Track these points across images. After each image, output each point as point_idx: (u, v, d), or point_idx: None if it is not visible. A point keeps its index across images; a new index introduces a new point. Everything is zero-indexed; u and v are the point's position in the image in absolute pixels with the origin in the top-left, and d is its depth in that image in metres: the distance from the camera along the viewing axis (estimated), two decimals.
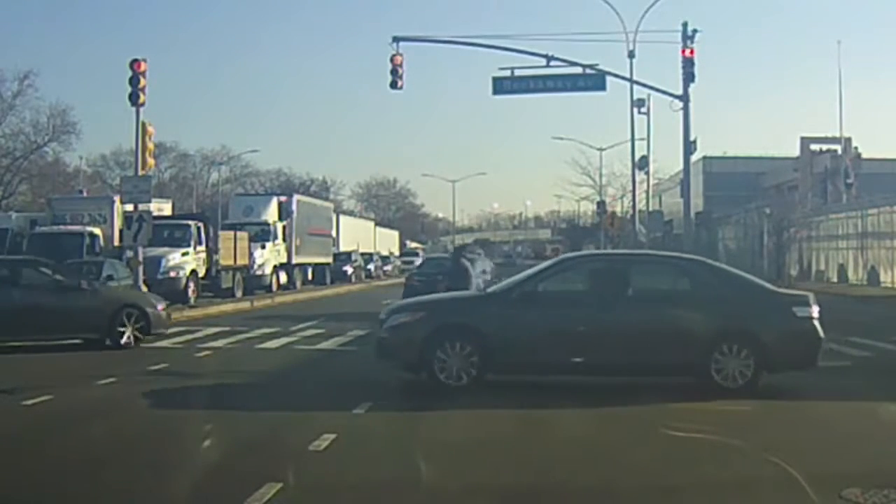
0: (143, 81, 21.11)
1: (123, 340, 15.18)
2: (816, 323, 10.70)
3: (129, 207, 22.33)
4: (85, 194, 37.08)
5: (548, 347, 10.65)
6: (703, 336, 10.43)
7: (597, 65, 25.95)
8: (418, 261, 53.68)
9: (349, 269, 47.29)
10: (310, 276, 39.44)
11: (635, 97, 32.48)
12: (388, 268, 60.73)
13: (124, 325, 15.31)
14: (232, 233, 31.89)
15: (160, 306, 16.28)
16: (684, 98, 24.02)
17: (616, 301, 10.81)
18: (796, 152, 59.86)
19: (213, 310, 24.77)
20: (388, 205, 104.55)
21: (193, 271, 27.20)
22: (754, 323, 10.63)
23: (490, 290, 11.96)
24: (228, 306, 26.00)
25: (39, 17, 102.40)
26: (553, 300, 11.10)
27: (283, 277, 35.60)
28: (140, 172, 22.37)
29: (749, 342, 10.47)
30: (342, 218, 54.46)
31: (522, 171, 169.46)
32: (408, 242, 73.78)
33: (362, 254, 52.51)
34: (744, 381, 10.39)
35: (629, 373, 10.82)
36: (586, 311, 10.76)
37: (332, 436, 7.79)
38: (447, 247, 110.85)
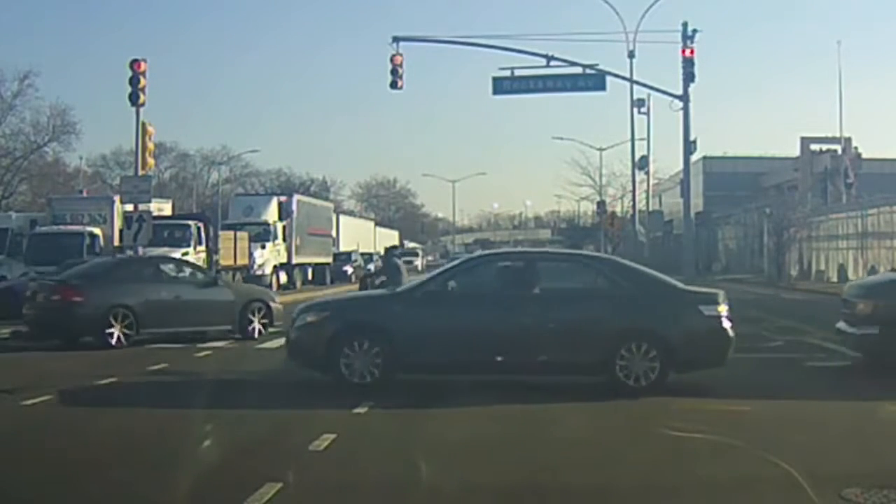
0: (143, 81, 21.12)
1: (252, 331, 16.72)
2: (726, 322, 10.68)
3: (129, 207, 22.36)
4: (85, 194, 37.16)
5: (452, 346, 10.61)
6: (609, 335, 10.43)
7: (597, 65, 26.01)
8: (418, 261, 53.74)
9: (349, 269, 47.30)
10: (310, 276, 39.45)
11: (635, 97, 32.56)
12: None
13: (252, 318, 16.80)
14: (232, 233, 31.92)
15: (278, 300, 18.09)
16: (684, 98, 24.03)
17: (522, 300, 10.83)
18: (796, 152, 59.83)
19: None
20: (388, 205, 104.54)
21: None
22: (660, 322, 10.60)
23: (399, 289, 12.01)
24: None
25: (39, 17, 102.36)
26: (459, 299, 11.05)
27: (283, 277, 35.61)
28: (140, 172, 22.40)
29: (655, 341, 10.43)
30: (342, 218, 54.46)
31: (522, 171, 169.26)
32: (406, 242, 73.71)
33: (362, 254, 52.51)
34: (648, 381, 10.36)
35: (534, 372, 10.71)
36: (492, 309, 10.80)
37: (332, 436, 7.79)
38: (447, 247, 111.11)
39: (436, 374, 10.87)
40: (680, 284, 11.83)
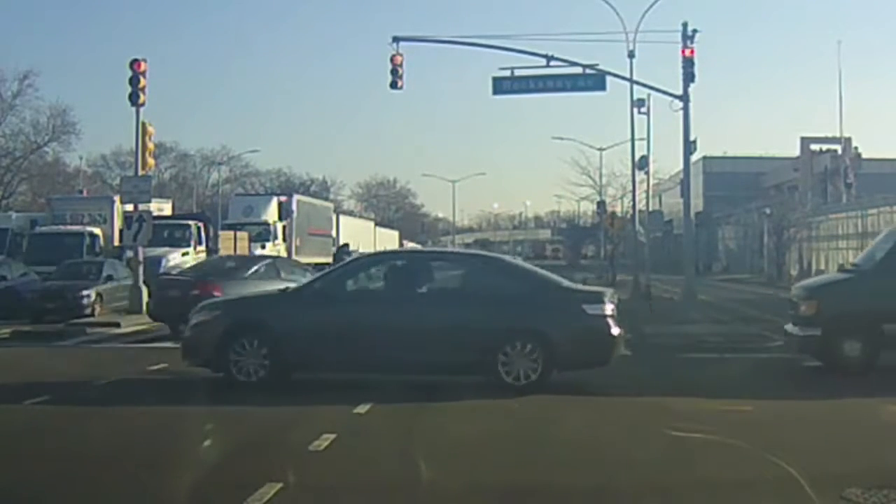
0: (143, 81, 21.10)
1: None
2: (610, 320, 10.70)
3: (129, 207, 22.34)
4: (85, 194, 37.19)
5: (338, 345, 10.66)
6: (491, 334, 10.45)
7: (597, 65, 25.92)
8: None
9: None
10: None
11: (635, 97, 32.35)
12: None
13: None
14: (232, 233, 31.91)
15: None
16: (684, 98, 23.99)
17: (407, 299, 10.92)
18: (796, 152, 59.86)
19: None
20: (388, 205, 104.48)
21: None
22: (542, 321, 10.61)
23: (288, 288, 12.15)
24: None
25: (39, 17, 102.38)
26: (346, 298, 11.12)
27: None
28: (140, 172, 22.36)
29: (536, 340, 10.46)
30: (342, 218, 54.36)
31: (522, 171, 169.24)
32: (405, 242, 73.65)
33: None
34: (529, 380, 10.39)
35: (419, 370, 10.72)
36: (377, 308, 10.87)
37: (332, 436, 7.79)
38: (447, 247, 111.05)
39: (325, 373, 10.96)
40: (566, 283, 11.81)
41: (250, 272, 17.79)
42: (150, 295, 19.69)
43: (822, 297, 12.74)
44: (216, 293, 15.53)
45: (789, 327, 13.11)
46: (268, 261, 19.85)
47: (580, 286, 12.43)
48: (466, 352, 10.47)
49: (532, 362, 10.43)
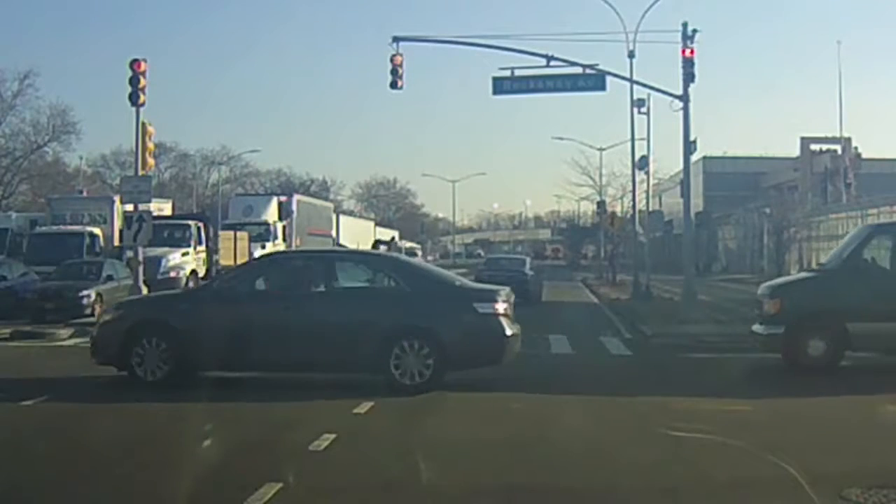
0: (143, 81, 21.05)
1: None
2: (502, 319, 10.70)
3: (129, 207, 22.29)
4: (85, 194, 37.06)
5: (235, 343, 10.72)
6: (384, 333, 10.53)
7: (597, 65, 25.83)
8: (416, 261, 53.72)
9: None
10: None
11: (635, 97, 32.25)
12: None
13: None
14: (232, 233, 31.89)
15: None
16: (684, 98, 23.93)
17: (302, 298, 11.03)
18: (796, 152, 59.87)
19: None
20: (388, 205, 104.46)
21: (193, 271, 27.16)
22: (433, 320, 10.65)
23: (189, 288, 12.22)
24: None
25: (39, 17, 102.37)
26: (243, 297, 11.23)
27: None
28: (140, 172, 22.31)
29: (428, 339, 10.50)
30: (342, 218, 54.44)
31: (522, 171, 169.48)
32: (404, 242, 73.58)
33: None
34: (423, 378, 10.42)
35: (314, 369, 10.82)
36: (273, 307, 10.96)
37: (332, 436, 7.79)
38: (447, 247, 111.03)
39: (224, 371, 11.04)
40: (459, 281, 11.83)
41: None
42: None
43: (786, 296, 12.79)
44: None
45: (755, 326, 13.15)
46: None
47: (474, 285, 12.42)
48: (359, 350, 10.53)
49: (424, 361, 10.48)
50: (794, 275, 16.11)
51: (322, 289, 11.24)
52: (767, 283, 13.98)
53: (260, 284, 11.52)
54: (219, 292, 11.45)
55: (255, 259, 12.67)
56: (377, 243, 38.20)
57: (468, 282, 12.56)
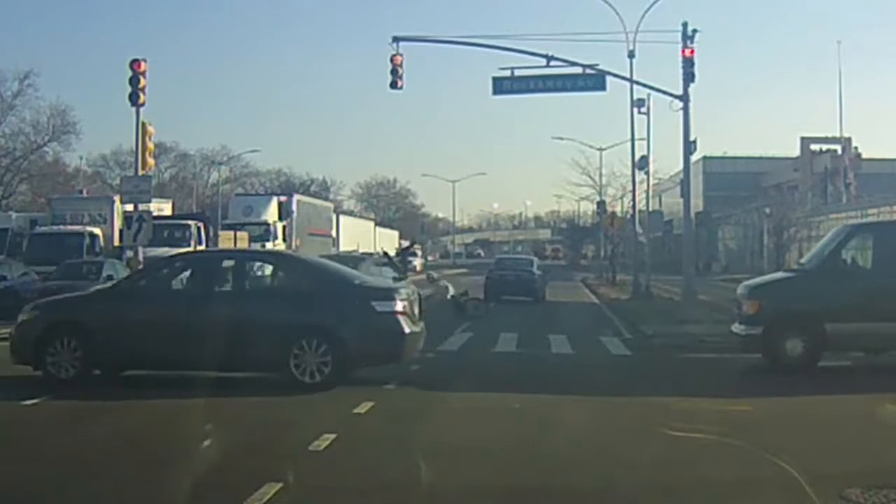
0: (143, 81, 21.05)
1: None
2: (400, 317, 10.73)
3: (129, 207, 22.31)
4: (85, 194, 37.08)
5: (142, 342, 10.85)
6: (283, 332, 10.56)
7: (597, 65, 25.86)
8: (416, 261, 53.88)
9: None
10: None
11: (635, 97, 32.29)
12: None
13: None
14: (232, 233, 31.92)
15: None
16: (684, 98, 23.95)
17: (205, 297, 11.13)
18: (796, 152, 59.91)
19: None
20: (388, 205, 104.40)
21: None
22: (331, 318, 10.69)
23: (100, 287, 12.40)
24: None
25: (39, 17, 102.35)
26: (151, 297, 11.34)
27: None
28: (140, 172, 22.33)
29: (326, 337, 10.54)
30: (342, 218, 54.45)
31: (522, 171, 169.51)
32: (403, 242, 73.53)
33: (363, 254, 52.43)
34: (322, 377, 10.47)
35: (218, 367, 10.81)
36: (177, 307, 11.09)
37: (332, 436, 7.79)
38: (447, 247, 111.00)
39: (135, 370, 11.18)
40: (359, 280, 11.88)
41: (364, 266, 19.53)
42: None
43: (764, 296, 12.81)
44: None
45: (734, 326, 13.17)
46: (367, 258, 22.46)
47: (375, 283, 12.50)
48: (260, 349, 10.58)
49: (322, 360, 10.53)
50: (772, 275, 16.17)
51: (226, 288, 11.43)
52: (746, 282, 14.01)
53: (169, 284, 11.70)
54: (130, 292, 11.58)
55: (164, 259, 12.83)
56: (402, 251, 38.55)
57: (371, 280, 12.75)
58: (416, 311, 11.30)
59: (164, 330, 10.81)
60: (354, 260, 23.02)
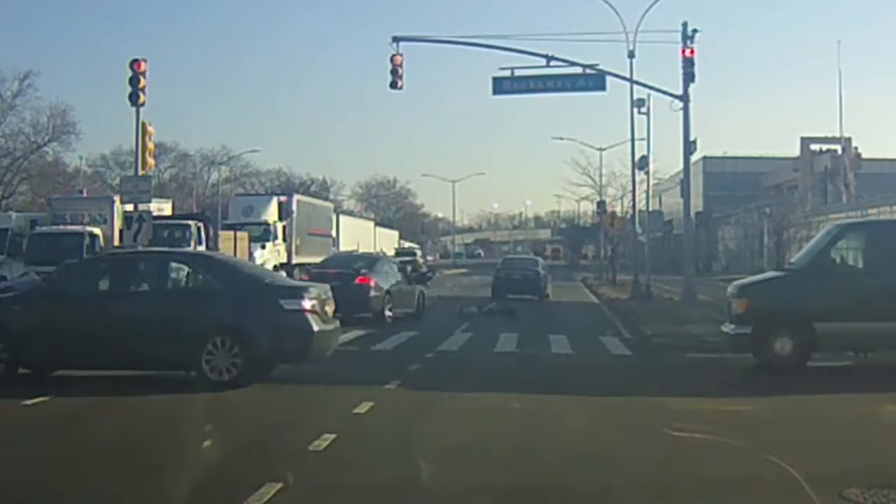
0: (143, 81, 21.05)
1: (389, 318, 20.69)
2: (309, 315, 10.80)
3: (129, 207, 22.30)
4: (85, 194, 36.98)
5: (61, 342, 10.90)
6: (195, 331, 10.62)
7: (597, 65, 25.88)
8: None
9: None
10: (301, 276, 39.31)
11: (635, 97, 32.29)
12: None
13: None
14: (232, 233, 31.88)
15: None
16: (684, 98, 23.97)
17: (122, 297, 11.28)
18: (796, 152, 59.89)
19: None
20: (388, 205, 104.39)
21: None
22: (240, 317, 10.77)
23: (23, 288, 12.45)
24: None
25: (39, 17, 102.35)
26: (69, 298, 11.37)
27: None
28: (140, 172, 22.33)
29: (236, 336, 10.61)
30: (342, 218, 54.33)
31: (522, 171, 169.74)
32: (402, 242, 73.43)
33: (362, 253, 52.35)
34: (232, 375, 10.52)
35: (133, 366, 11.00)
36: (94, 307, 11.15)
37: (332, 436, 7.78)
38: (447, 247, 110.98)
39: (60, 370, 11.20)
40: (270, 279, 12.01)
41: (379, 264, 22.52)
42: None
43: (753, 295, 12.83)
44: (371, 283, 20.56)
45: (724, 326, 13.19)
46: (381, 257, 25.38)
47: (286, 282, 12.57)
48: (173, 347, 10.65)
49: (232, 358, 10.59)
50: (762, 274, 16.21)
51: (141, 288, 11.59)
52: (736, 282, 14.03)
53: (88, 284, 11.75)
54: (49, 293, 11.70)
55: (82, 259, 12.91)
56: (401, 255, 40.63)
57: (282, 278, 12.81)
58: (329, 309, 11.46)
59: (82, 330, 10.89)
60: (370, 259, 24.51)
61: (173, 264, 11.95)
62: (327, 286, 11.77)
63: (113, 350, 10.79)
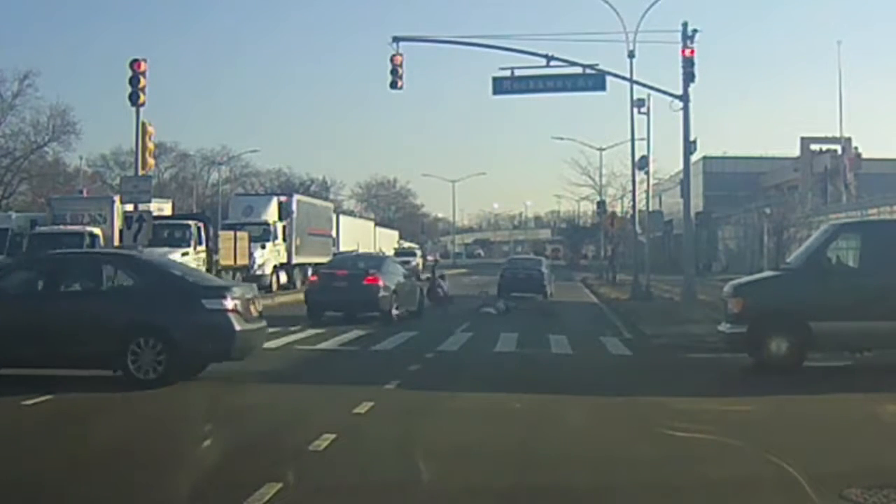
0: (143, 81, 21.05)
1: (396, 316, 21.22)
2: (231, 315, 10.90)
3: (129, 207, 22.30)
4: (85, 194, 36.97)
5: None
6: (120, 330, 10.73)
7: (597, 65, 25.84)
8: (415, 261, 54.09)
9: None
10: (310, 276, 39.35)
11: (635, 97, 32.25)
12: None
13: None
14: (232, 233, 31.85)
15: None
16: (684, 98, 23.94)
17: (49, 297, 11.34)
18: (796, 152, 59.90)
19: None
20: (388, 205, 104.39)
21: None
22: (163, 316, 10.88)
23: None
24: None
25: (39, 17, 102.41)
26: (3, 297, 11.42)
27: (283, 277, 35.56)
28: (140, 172, 22.32)
29: (159, 335, 10.73)
30: (342, 218, 54.31)
31: (522, 171, 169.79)
32: (402, 242, 73.34)
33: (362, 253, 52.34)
34: (157, 374, 10.64)
35: (62, 364, 11.05)
36: (25, 307, 11.22)
37: (332, 436, 7.78)
38: (447, 247, 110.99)
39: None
40: (193, 278, 12.03)
41: (385, 264, 23.06)
42: None
43: (748, 294, 12.85)
44: (379, 282, 20.92)
45: (720, 326, 13.20)
46: (387, 257, 27.00)
47: (210, 281, 12.62)
48: (100, 347, 10.76)
49: (157, 357, 10.71)
50: (758, 274, 16.24)
51: (68, 288, 11.64)
52: (732, 282, 14.04)
53: (17, 284, 11.81)
54: None
55: (17, 259, 12.95)
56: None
57: (209, 279, 12.89)
58: (254, 308, 11.52)
59: (11, 328, 10.92)
60: (376, 259, 25.16)
61: (101, 265, 12.06)
62: (253, 285, 11.83)
63: (39, 348, 10.86)
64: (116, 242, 26.41)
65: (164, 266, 12.28)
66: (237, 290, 11.42)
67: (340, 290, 21.14)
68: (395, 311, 21.12)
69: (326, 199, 62.81)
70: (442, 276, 28.75)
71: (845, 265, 12.85)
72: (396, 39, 25.13)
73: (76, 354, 10.85)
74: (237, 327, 10.93)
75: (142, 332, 10.76)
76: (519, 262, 38.69)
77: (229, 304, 10.96)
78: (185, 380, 10.96)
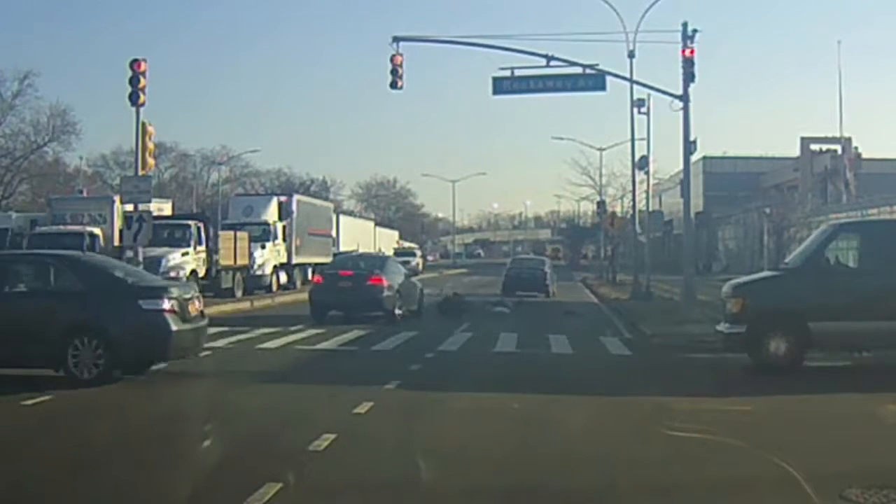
0: (143, 81, 21.06)
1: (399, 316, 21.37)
2: (168, 315, 10.99)
3: (129, 207, 22.31)
4: (85, 194, 36.97)
5: None
6: (58, 330, 10.84)
7: (597, 65, 25.84)
8: (414, 261, 54.18)
9: None
10: (310, 276, 39.34)
11: (635, 97, 32.26)
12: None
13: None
14: (232, 233, 31.82)
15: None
16: (684, 98, 23.94)
17: None
18: (796, 152, 59.85)
19: (213, 310, 24.59)
20: (388, 205, 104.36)
21: (193, 271, 27.15)
22: (101, 317, 10.99)
23: None
24: (228, 306, 25.99)
25: (39, 17, 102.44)
26: None
27: (283, 277, 35.54)
28: (140, 172, 22.33)
29: (97, 335, 10.85)
30: (342, 218, 54.29)
31: (522, 171, 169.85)
32: (401, 242, 73.30)
33: (362, 253, 52.32)
34: (96, 373, 10.75)
35: (6, 364, 11.07)
36: None
37: (332, 436, 7.78)
38: (447, 247, 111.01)
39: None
40: (133, 279, 12.03)
41: (388, 264, 23.29)
42: None
43: (747, 294, 12.85)
44: (383, 283, 21.15)
45: (719, 325, 13.20)
46: (389, 258, 27.36)
47: (149, 282, 12.59)
48: (40, 346, 10.85)
49: (96, 357, 10.82)
50: (757, 274, 16.27)
51: (10, 289, 11.66)
52: (731, 281, 14.04)
53: None
54: None
55: None
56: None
57: (149, 279, 12.91)
58: (193, 308, 11.58)
59: None
60: (379, 259, 25.23)
61: (43, 266, 12.12)
62: (193, 285, 12.01)
63: None
64: (116, 242, 26.43)
65: (104, 267, 12.32)
66: (174, 291, 11.51)
67: (345, 290, 21.33)
68: (398, 311, 21.26)
69: (326, 199, 62.79)
70: (457, 294, 28.32)
71: (844, 265, 12.86)
72: (396, 39, 25.14)
73: (14, 354, 10.93)
74: (173, 327, 11.02)
75: (81, 332, 10.88)
76: (522, 262, 39.62)
77: (166, 304, 11.07)
78: (175, 380, 10.96)
